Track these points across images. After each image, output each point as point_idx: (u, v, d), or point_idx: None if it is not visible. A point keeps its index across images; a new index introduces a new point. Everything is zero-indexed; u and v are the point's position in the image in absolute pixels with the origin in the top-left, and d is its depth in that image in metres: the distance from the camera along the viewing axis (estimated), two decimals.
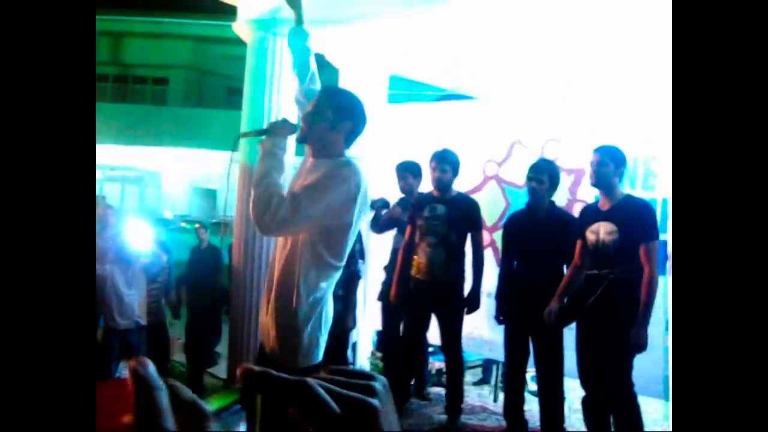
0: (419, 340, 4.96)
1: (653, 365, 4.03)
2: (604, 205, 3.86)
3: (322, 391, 0.54)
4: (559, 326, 4.09)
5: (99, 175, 23.62)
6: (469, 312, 4.65)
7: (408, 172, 5.09)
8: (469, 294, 4.65)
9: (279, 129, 2.56)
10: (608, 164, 3.83)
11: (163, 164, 22.57)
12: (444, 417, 4.78)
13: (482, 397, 5.66)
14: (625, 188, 4.40)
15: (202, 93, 23.56)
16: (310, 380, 0.55)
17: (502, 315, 4.49)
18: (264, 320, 2.66)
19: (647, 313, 3.64)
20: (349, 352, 5.61)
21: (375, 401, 0.56)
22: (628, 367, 3.70)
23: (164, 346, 5.76)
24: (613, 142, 4.49)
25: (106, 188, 23.42)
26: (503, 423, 4.58)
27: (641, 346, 3.62)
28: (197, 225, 7.58)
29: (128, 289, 4.76)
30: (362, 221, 2.66)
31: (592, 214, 3.96)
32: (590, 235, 3.85)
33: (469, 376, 6.03)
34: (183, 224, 19.92)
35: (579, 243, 3.96)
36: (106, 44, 23.14)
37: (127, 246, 4.67)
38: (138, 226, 4.87)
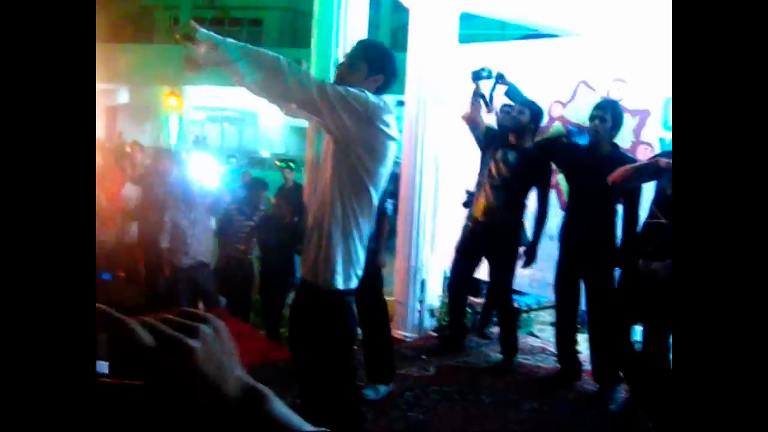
0: (465, 278, 5.02)
1: None
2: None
3: (132, 323, 0.60)
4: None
5: (201, 116, 24.46)
6: (526, 265, 4.67)
7: None
8: (528, 247, 4.66)
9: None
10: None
11: (260, 104, 23.06)
12: (500, 357, 4.87)
13: (547, 339, 5.70)
14: None
15: (296, 33, 23.78)
16: (120, 316, 0.62)
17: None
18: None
19: None
20: (418, 290, 5.75)
21: (192, 341, 0.61)
22: None
23: (248, 282, 6.04)
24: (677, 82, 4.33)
25: (207, 128, 24.25)
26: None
27: None
28: (278, 162, 7.68)
29: (191, 229, 5.02)
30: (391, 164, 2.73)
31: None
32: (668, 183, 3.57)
33: (549, 316, 6.05)
34: (277, 162, 20.38)
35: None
36: None
37: (188, 188, 4.91)
38: (200, 167, 5.09)
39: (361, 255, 2.71)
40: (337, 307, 2.68)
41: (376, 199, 2.67)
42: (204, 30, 2.41)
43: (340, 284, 2.64)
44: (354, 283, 2.71)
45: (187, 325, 0.62)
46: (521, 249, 4.71)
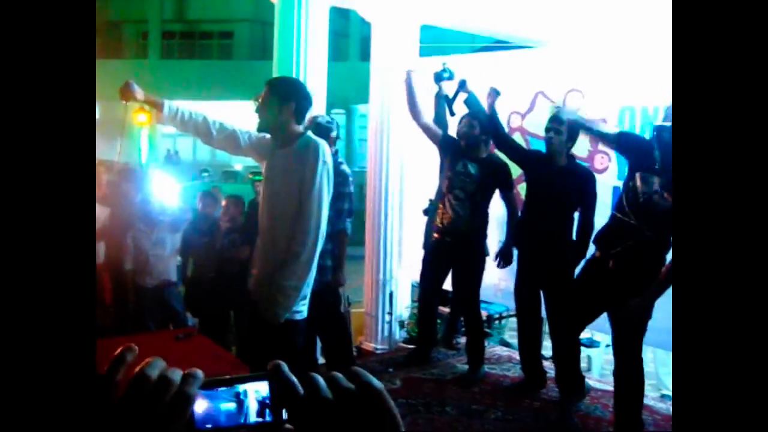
0: (434, 290, 5.07)
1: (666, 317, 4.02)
2: None
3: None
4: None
5: (172, 130, 24.33)
6: (504, 266, 4.71)
7: None
8: (503, 249, 4.71)
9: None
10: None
11: (233, 117, 23.01)
12: (467, 367, 4.90)
13: (513, 348, 5.76)
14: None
15: (266, 44, 23.76)
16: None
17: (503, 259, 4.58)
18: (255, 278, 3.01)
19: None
20: (387, 302, 5.78)
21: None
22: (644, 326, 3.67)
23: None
24: (634, 92, 4.42)
25: (178, 143, 24.10)
26: None
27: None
28: (251, 175, 7.65)
29: (155, 249, 5.01)
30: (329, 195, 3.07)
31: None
32: (639, 183, 3.60)
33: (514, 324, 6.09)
34: (250, 176, 20.33)
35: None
36: (171, 2, 23.58)
37: (149, 207, 4.90)
38: (161, 185, 5.07)
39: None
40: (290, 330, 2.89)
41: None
42: (148, 100, 3.14)
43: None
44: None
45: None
46: (495, 252, 4.75)
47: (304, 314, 3.09)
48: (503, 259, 4.68)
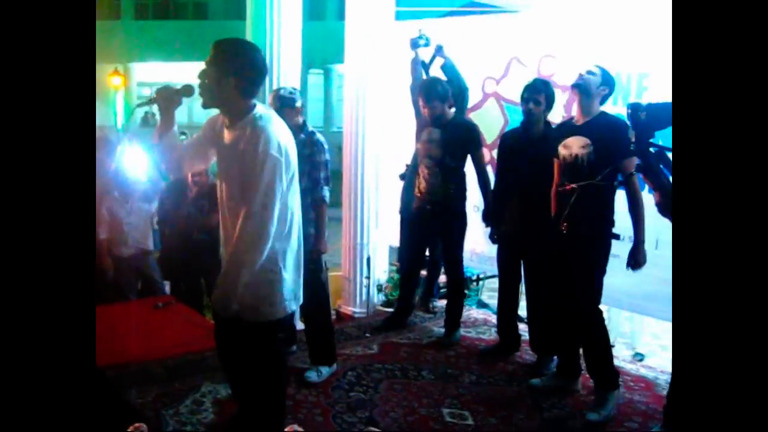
0: (416, 259, 5.13)
1: (642, 282, 4.12)
2: (579, 120, 3.82)
3: None
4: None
5: (148, 92, 23.99)
6: (487, 226, 4.75)
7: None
8: (483, 212, 4.76)
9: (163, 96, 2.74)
10: (595, 75, 3.78)
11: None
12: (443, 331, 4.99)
13: (490, 309, 5.86)
14: (618, 104, 4.37)
15: (242, 5, 23.37)
16: None
17: (496, 234, 4.58)
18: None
19: (640, 230, 3.67)
20: (365, 267, 5.83)
21: None
22: (599, 282, 3.76)
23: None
24: (607, 57, 4.42)
25: (155, 107, 23.76)
26: None
27: (639, 262, 3.69)
28: None
29: (129, 217, 5.01)
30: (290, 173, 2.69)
31: (567, 129, 3.89)
32: (563, 150, 3.78)
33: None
34: None
35: (556, 162, 3.89)
36: None
37: (123, 176, 4.88)
38: (131, 154, 5.03)
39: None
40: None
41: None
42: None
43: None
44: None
45: None
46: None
47: (277, 315, 2.76)
48: (485, 220, 4.73)
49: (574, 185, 3.72)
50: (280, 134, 2.61)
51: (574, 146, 3.74)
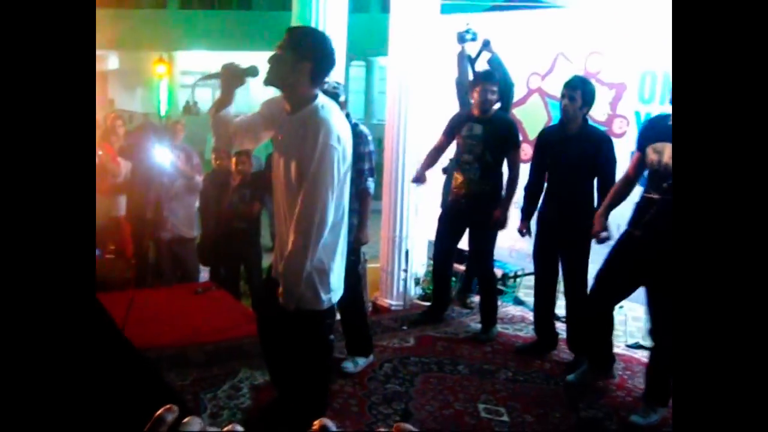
0: (449, 251, 5.12)
1: None
2: None
3: None
4: (599, 241, 3.95)
5: (190, 81, 24.29)
6: (497, 229, 4.73)
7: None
8: (495, 213, 4.69)
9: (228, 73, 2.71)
10: None
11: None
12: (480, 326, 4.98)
13: (527, 306, 5.82)
14: (665, 104, 4.31)
15: None
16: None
17: (525, 228, 4.54)
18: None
19: None
20: (403, 259, 5.83)
21: None
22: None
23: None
24: (656, 57, 4.36)
25: (197, 94, 24.07)
26: None
27: None
28: None
29: (170, 203, 5.09)
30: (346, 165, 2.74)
31: (661, 129, 3.48)
32: (652, 154, 3.49)
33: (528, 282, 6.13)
34: None
35: (637, 155, 3.70)
36: None
37: (169, 162, 4.96)
38: (179, 140, 5.11)
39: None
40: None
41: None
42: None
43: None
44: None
45: None
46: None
47: (326, 304, 2.82)
48: (497, 223, 4.69)
49: (655, 196, 3.48)
50: (340, 126, 2.66)
51: (665, 154, 3.43)
